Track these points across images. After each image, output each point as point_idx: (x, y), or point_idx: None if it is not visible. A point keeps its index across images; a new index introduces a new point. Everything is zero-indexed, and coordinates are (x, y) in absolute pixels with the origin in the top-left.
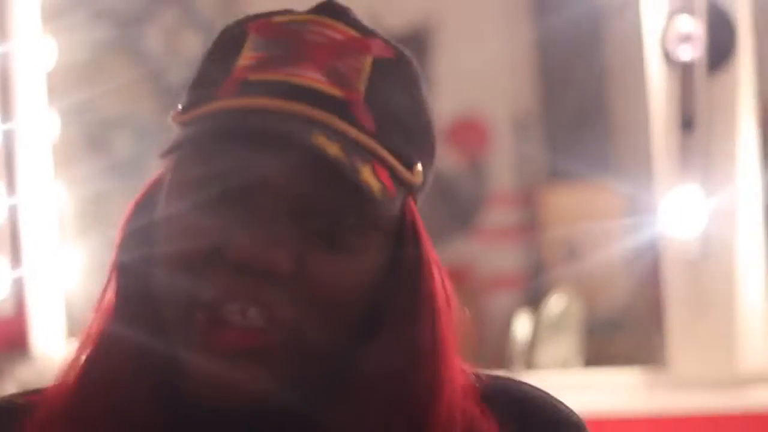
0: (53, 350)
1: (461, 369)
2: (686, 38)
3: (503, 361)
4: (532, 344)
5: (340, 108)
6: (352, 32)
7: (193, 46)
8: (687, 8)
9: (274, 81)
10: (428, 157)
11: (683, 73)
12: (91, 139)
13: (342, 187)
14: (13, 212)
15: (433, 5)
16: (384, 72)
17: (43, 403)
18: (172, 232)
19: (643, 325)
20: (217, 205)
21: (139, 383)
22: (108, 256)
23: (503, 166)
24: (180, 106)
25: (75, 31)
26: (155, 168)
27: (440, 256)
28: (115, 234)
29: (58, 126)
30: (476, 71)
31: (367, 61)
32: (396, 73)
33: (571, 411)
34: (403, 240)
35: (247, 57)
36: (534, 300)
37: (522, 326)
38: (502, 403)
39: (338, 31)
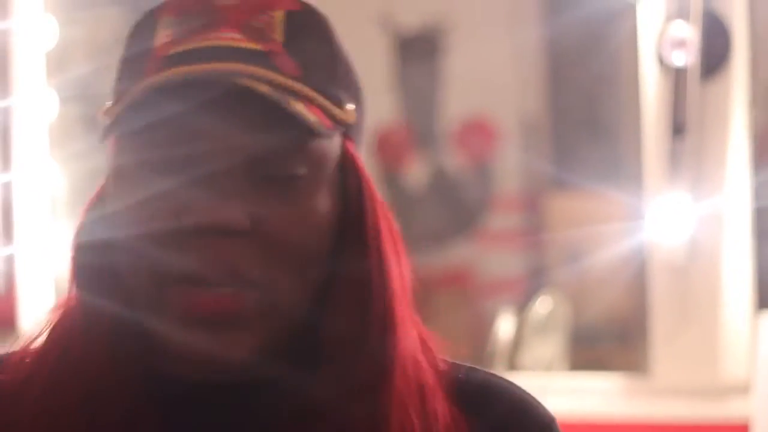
0: None
1: (419, 338)
2: (681, 44)
3: (487, 361)
4: (517, 345)
5: (261, 58)
6: None
7: None
8: (682, 14)
9: (194, 48)
10: (356, 99)
11: (677, 78)
12: (90, 118)
13: (278, 127)
14: (6, 189)
15: (444, 7)
16: (297, 22)
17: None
18: (128, 221)
19: (629, 331)
20: (166, 176)
21: (112, 361)
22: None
23: (509, 169)
24: (108, 104)
25: (79, 9)
26: None
27: (442, 258)
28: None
29: (57, 105)
30: (486, 74)
31: (280, 14)
32: (309, 22)
33: (545, 410)
34: (347, 182)
35: (163, 36)
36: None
37: (505, 327)
38: (473, 396)
39: None
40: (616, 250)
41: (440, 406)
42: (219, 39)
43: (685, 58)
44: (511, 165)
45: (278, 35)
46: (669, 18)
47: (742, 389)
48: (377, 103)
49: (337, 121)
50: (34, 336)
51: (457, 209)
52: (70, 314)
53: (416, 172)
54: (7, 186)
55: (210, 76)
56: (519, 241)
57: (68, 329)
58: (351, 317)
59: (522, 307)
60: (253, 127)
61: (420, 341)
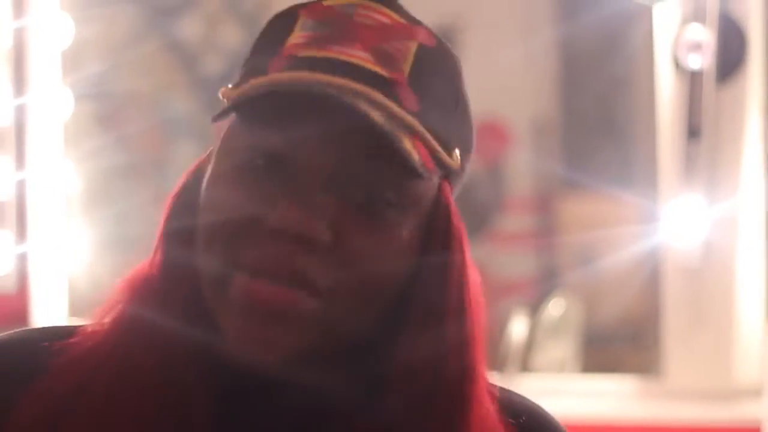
0: None
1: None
2: (697, 47)
3: (500, 362)
4: (530, 347)
5: (385, 85)
6: (399, 18)
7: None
8: (699, 17)
9: (322, 57)
10: (466, 146)
11: (692, 81)
12: (104, 117)
13: (382, 157)
14: (20, 187)
15: (457, 8)
16: (428, 58)
17: (74, 352)
18: (215, 200)
19: (642, 333)
20: (260, 174)
21: (176, 347)
22: (114, 234)
23: (521, 171)
24: (230, 85)
25: (94, 8)
26: (169, 149)
27: None
28: (121, 213)
29: (72, 103)
30: (499, 75)
31: (413, 46)
32: (439, 61)
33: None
34: (435, 224)
35: (297, 36)
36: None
37: (518, 328)
38: (510, 415)
39: (386, 16)
40: (629, 252)
41: None
42: (349, 55)
43: (701, 61)
44: (524, 167)
45: (406, 66)
46: (685, 21)
47: (755, 392)
48: None
49: (441, 164)
50: (112, 305)
51: (469, 210)
52: (146, 289)
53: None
54: (21, 184)
55: (332, 91)
56: (531, 243)
57: (139, 306)
58: (425, 347)
59: (535, 308)
60: (359, 152)
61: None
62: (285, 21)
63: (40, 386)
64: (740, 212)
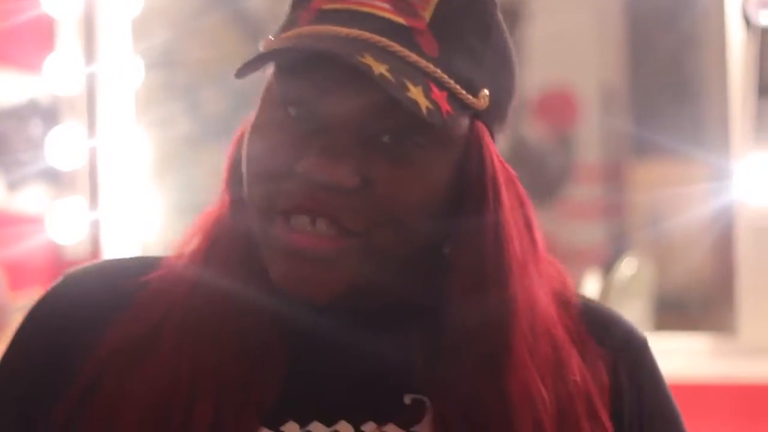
0: None
1: (550, 284)
2: (767, 3)
3: None
4: None
5: (402, 33)
6: None
7: None
8: None
9: (344, 9)
10: (501, 82)
11: (763, 38)
12: (174, 85)
13: (400, 105)
14: (92, 155)
15: None
16: (452, 3)
17: (156, 285)
18: (252, 150)
19: (714, 293)
20: (291, 124)
21: (250, 284)
22: (185, 201)
23: (590, 139)
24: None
25: None
26: (238, 116)
27: None
28: (192, 179)
29: (142, 71)
30: (566, 43)
31: None
32: (464, 5)
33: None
34: (469, 165)
35: None
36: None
37: (591, 288)
38: (590, 319)
39: None
40: (701, 212)
41: (574, 361)
42: (370, 6)
43: None
44: (593, 134)
45: (427, 13)
46: None
47: None
48: None
49: (464, 105)
50: (189, 239)
51: (539, 179)
52: (219, 225)
53: (497, 142)
54: (93, 151)
55: (340, 47)
56: (602, 210)
57: (213, 242)
58: (468, 275)
59: (607, 269)
60: (376, 100)
61: (556, 285)
62: None
63: (125, 319)
64: None
